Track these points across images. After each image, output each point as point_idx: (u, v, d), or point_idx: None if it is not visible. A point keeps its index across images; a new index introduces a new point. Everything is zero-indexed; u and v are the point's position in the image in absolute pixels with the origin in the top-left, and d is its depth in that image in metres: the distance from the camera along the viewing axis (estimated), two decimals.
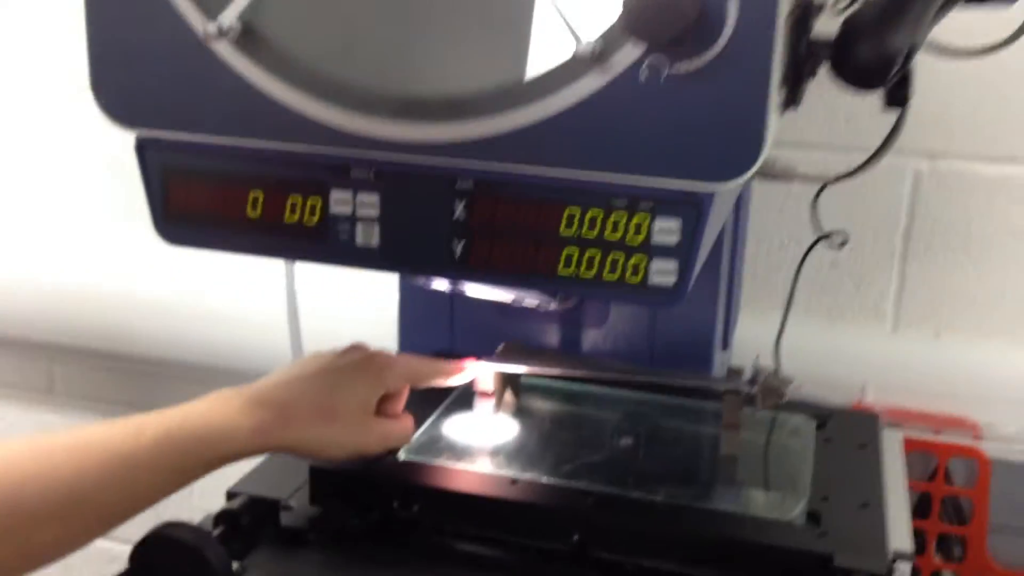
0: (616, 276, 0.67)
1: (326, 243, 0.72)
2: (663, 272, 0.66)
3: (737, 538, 0.76)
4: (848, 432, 0.94)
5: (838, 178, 0.87)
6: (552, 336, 1.08)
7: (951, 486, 1.22)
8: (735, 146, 0.61)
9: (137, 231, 1.54)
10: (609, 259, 0.67)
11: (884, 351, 1.29)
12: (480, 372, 0.91)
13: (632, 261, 0.67)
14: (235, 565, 0.77)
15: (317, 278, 1.44)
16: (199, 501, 0.86)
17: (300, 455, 0.79)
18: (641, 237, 0.66)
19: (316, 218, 0.72)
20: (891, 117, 0.78)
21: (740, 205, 1.10)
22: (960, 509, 1.24)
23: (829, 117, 1.24)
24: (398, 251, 0.71)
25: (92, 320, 1.57)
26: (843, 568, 0.73)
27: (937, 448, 1.20)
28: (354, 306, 1.44)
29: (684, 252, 0.66)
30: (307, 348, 1.36)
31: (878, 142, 0.86)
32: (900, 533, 0.79)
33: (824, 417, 0.97)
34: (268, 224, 0.73)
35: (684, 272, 0.66)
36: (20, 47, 1.52)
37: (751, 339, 1.22)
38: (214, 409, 0.75)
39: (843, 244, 0.93)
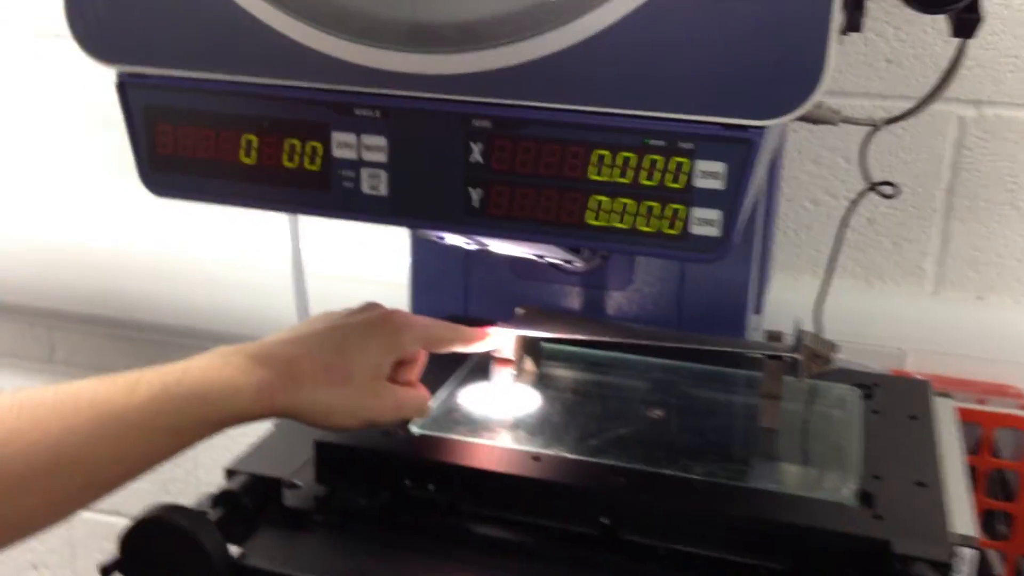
0: (652, 227, 0.60)
1: (328, 192, 0.65)
2: (706, 222, 0.59)
3: (783, 521, 0.69)
4: (897, 402, 0.87)
5: (889, 120, 0.79)
6: (573, 299, 1.01)
7: (997, 459, 1.15)
8: (792, 73, 0.53)
9: (138, 191, 1.49)
10: (644, 207, 0.60)
11: (925, 314, 1.21)
12: (502, 340, 0.84)
13: (670, 210, 0.59)
14: (234, 550, 0.70)
15: (323, 237, 1.37)
16: (206, 475, 0.80)
17: (306, 421, 0.71)
18: (681, 182, 0.58)
19: (317, 164, 0.65)
20: (935, 60, 0.70)
21: (776, 152, 1.02)
22: (1006, 483, 1.17)
23: (868, 61, 1.16)
24: (408, 200, 0.64)
25: (92, 285, 1.51)
26: (902, 555, 0.65)
27: (982, 418, 1.13)
28: (363, 268, 1.38)
29: (730, 199, 0.58)
30: (313, 312, 1.30)
31: (922, 88, 0.78)
32: (962, 515, 0.72)
33: (870, 386, 0.89)
34: (264, 172, 0.65)
35: (729, 222, 0.58)
36: None
37: (783, 303, 1.14)
38: (215, 366, 0.68)
39: (893, 196, 0.85)
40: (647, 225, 0.60)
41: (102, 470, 0.64)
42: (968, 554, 0.67)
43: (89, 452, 0.62)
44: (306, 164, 0.65)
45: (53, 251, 1.52)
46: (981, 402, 1.16)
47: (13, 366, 1.65)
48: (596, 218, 0.61)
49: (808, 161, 1.22)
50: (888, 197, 0.85)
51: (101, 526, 1.60)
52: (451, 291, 1.04)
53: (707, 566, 0.70)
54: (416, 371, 0.78)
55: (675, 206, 0.59)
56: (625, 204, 0.60)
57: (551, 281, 1.01)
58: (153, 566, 0.67)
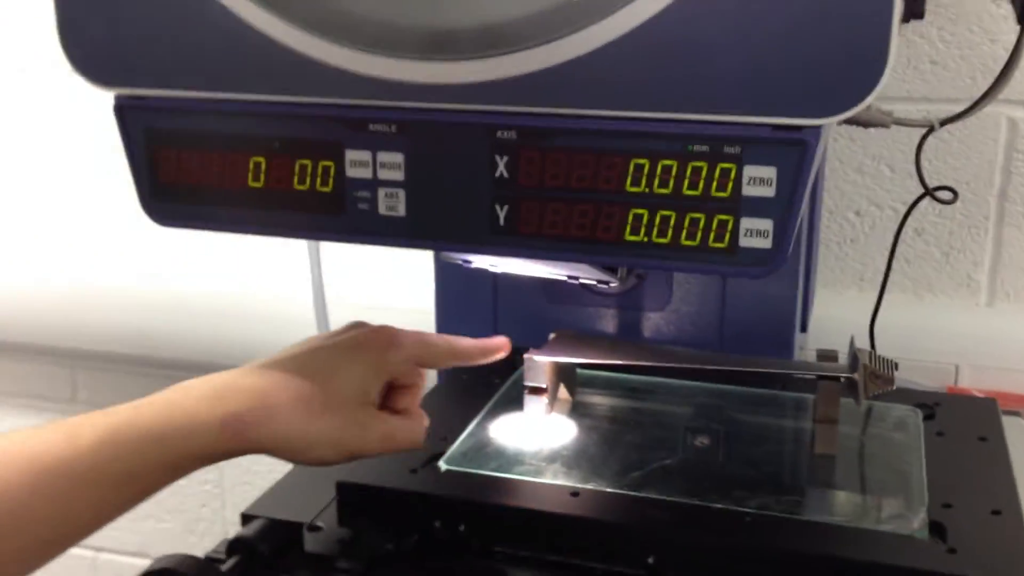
0: (697, 241, 0.54)
1: (343, 215, 0.60)
2: (756, 233, 0.53)
3: (846, 557, 0.63)
4: (962, 422, 0.80)
5: (945, 121, 0.74)
6: (608, 322, 0.96)
7: None
8: (851, 65, 0.48)
9: (156, 228, 1.46)
10: (688, 220, 0.54)
11: (979, 327, 1.15)
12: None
13: (717, 221, 0.54)
14: None
15: (345, 265, 1.34)
16: (232, 515, 0.75)
17: (282, 456, 0.64)
18: (728, 191, 0.53)
19: (330, 186, 0.60)
20: (982, 60, 0.65)
21: (823, 158, 0.96)
22: None
23: (912, 64, 1.10)
24: (429, 221, 0.59)
25: (114, 323, 1.48)
26: None
27: None
28: (387, 295, 1.33)
29: (782, 208, 0.53)
30: None
31: (969, 90, 0.73)
32: None
33: (931, 405, 0.83)
34: (274, 195, 0.61)
35: (782, 233, 0.53)
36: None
37: (828, 320, 1.09)
38: (172, 401, 0.61)
39: (952, 202, 0.79)
40: (692, 239, 0.54)
41: (45, 531, 0.56)
42: None
43: (27, 512, 0.55)
44: (318, 186, 0.60)
45: (73, 290, 1.50)
46: None
47: (35, 407, 1.62)
48: (636, 234, 0.55)
49: (851, 170, 1.16)
50: (946, 203, 0.79)
51: (124, 567, 1.56)
52: (479, 317, 0.99)
53: None
54: (413, 396, 0.71)
55: (722, 217, 0.54)
56: (667, 217, 0.55)
57: (584, 304, 0.96)
58: None
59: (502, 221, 0.57)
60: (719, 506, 0.69)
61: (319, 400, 0.63)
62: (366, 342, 0.68)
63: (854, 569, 0.63)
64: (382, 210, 0.59)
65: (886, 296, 1.14)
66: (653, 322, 0.95)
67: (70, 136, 1.45)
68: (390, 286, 1.34)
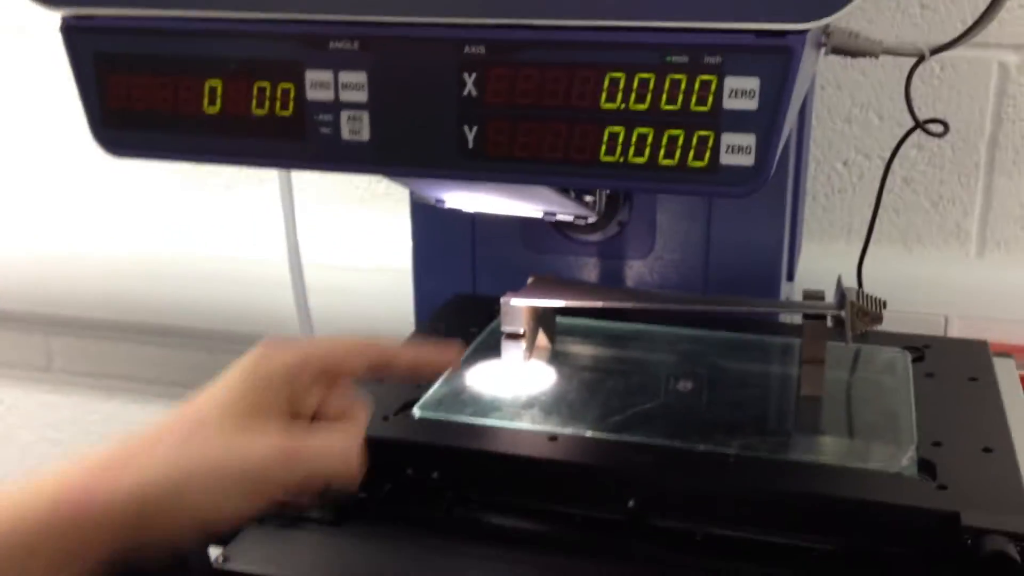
0: (675, 160, 0.52)
1: (304, 141, 0.57)
2: (738, 150, 0.51)
3: (835, 496, 0.61)
4: (953, 364, 0.78)
5: (936, 50, 0.71)
6: (590, 271, 0.94)
7: None
8: None
9: (129, 189, 1.43)
10: (666, 137, 0.51)
11: (969, 278, 1.13)
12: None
13: (696, 138, 0.51)
14: (216, 552, 0.62)
15: (320, 225, 1.31)
16: None
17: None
18: (708, 104, 0.50)
19: (290, 109, 0.57)
20: (972, 2, 0.62)
21: (806, 102, 0.94)
22: None
23: (902, 7, 1.07)
24: (394, 145, 0.56)
25: (89, 289, 1.45)
26: (974, 528, 0.57)
27: None
28: (362, 253, 1.30)
29: (765, 122, 0.50)
30: (313, 305, 1.23)
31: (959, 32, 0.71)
32: None
33: (921, 348, 0.81)
34: (230, 121, 0.58)
35: (766, 149, 0.50)
36: None
37: (815, 272, 1.06)
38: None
39: (943, 135, 0.77)
40: (670, 158, 0.52)
41: None
42: None
43: None
44: (278, 110, 0.57)
45: (47, 255, 1.47)
46: None
47: (10, 377, 1.59)
48: (611, 154, 0.53)
49: (838, 119, 1.14)
50: (937, 135, 0.77)
51: None
52: (457, 269, 0.96)
53: (750, 550, 0.61)
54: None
55: (702, 133, 0.51)
56: (644, 135, 0.52)
57: (566, 253, 0.94)
58: (123, 569, 0.60)
59: (471, 143, 0.54)
60: (702, 448, 0.66)
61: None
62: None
63: (841, 508, 0.60)
64: (345, 135, 0.56)
65: (875, 248, 1.12)
66: (636, 270, 0.93)
67: (44, 100, 1.41)
68: (366, 246, 1.31)
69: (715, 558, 0.61)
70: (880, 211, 1.13)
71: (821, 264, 1.11)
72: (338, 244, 1.32)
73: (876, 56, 0.70)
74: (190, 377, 1.49)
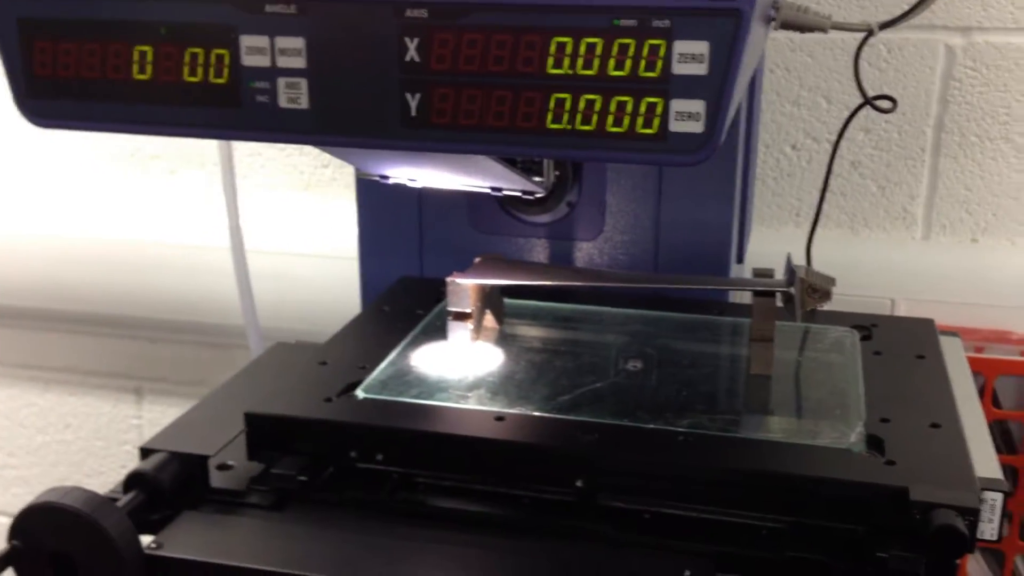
0: (624, 127, 0.50)
1: (240, 109, 0.55)
2: (687, 117, 0.49)
3: (784, 473, 0.60)
4: (900, 342, 0.78)
5: (884, 25, 0.71)
6: (539, 253, 0.92)
7: (1000, 409, 1.07)
8: None
9: (66, 170, 1.38)
10: (614, 104, 0.50)
11: (915, 261, 1.13)
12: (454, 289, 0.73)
13: (645, 104, 0.50)
14: (149, 540, 0.60)
15: (264, 211, 1.28)
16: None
17: None
18: (657, 69, 0.49)
19: (224, 76, 0.55)
20: None
21: (755, 83, 0.93)
22: (1009, 435, 1.09)
23: None
24: (334, 113, 0.54)
25: (22, 276, 1.40)
26: (922, 502, 0.57)
27: (983, 366, 1.05)
28: (307, 238, 1.28)
29: (715, 87, 0.49)
30: (257, 291, 1.20)
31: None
32: (983, 457, 0.63)
33: (868, 327, 0.81)
34: (162, 89, 0.55)
35: (715, 116, 0.49)
36: None
37: (765, 256, 1.06)
38: None
39: (891, 110, 0.77)
40: (619, 125, 0.50)
41: None
42: (996, 499, 0.59)
43: None
44: (212, 77, 0.55)
45: None
46: (979, 350, 1.08)
47: None
48: (558, 121, 0.51)
49: (787, 103, 1.14)
50: (886, 111, 0.76)
51: None
52: (404, 251, 0.95)
53: (699, 528, 0.61)
54: None
55: (651, 100, 0.50)
56: (592, 101, 0.50)
57: (514, 234, 0.92)
58: (51, 560, 0.57)
59: (414, 111, 0.53)
60: (651, 427, 0.65)
61: None
62: None
63: (791, 484, 0.60)
64: (283, 102, 0.54)
65: (823, 231, 1.12)
66: (586, 252, 0.91)
67: None
68: (311, 232, 1.28)
69: (664, 536, 0.61)
70: (828, 194, 1.14)
71: (770, 247, 1.10)
72: (283, 230, 1.29)
73: (825, 31, 0.69)
74: (132, 368, 1.46)
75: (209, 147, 1.23)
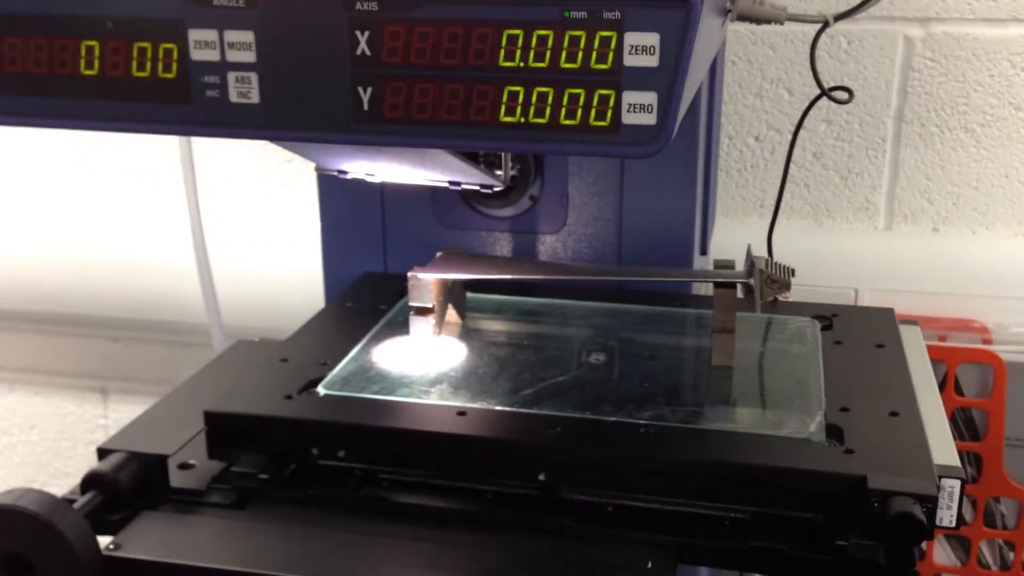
0: (577, 120, 0.50)
1: (191, 105, 0.54)
2: (639, 108, 0.49)
3: (745, 463, 0.61)
4: (860, 332, 0.79)
5: (840, 16, 0.71)
6: (502, 247, 0.92)
7: (963, 397, 1.08)
8: None
9: (23, 168, 1.36)
10: (566, 97, 0.50)
11: (877, 250, 1.14)
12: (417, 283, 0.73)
13: (597, 97, 0.50)
14: (107, 541, 0.59)
15: (226, 208, 1.27)
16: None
17: None
18: (608, 62, 0.49)
19: (173, 71, 0.54)
20: None
21: (716, 76, 0.93)
22: (972, 423, 1.10)
23: None
24: (286, 108, 0.53)
25: None
26: (880, 491, 0.57)
27: (946, 354, 1.06)
28: (270, 235, 1.27)
29: (667, 79, 0.49)
30: (219, 287, 1.20)
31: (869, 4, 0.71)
32: (942, 445, 0.64)
33: (829, 317, 0.81)
34: (110, 85, 0.55)
35: (667, 107, 0.49)
36: None
37: (729, 247, 1.06)
38: None
39: (848, 101, 0.77)
40: (572, 118, 0.50)
41: None
42: (953, 486, 0.59)
43: None
44: (160, 72, 0.54)
45: None
46: (942, 339, 1.09)
47: None
48: (511, 114, 0.51)
49: (750, 95, 1.14)
50: (843, 103, 0.77)
51: None
52: (367, 246, 0.94)
53: (662, 520, 0.61)
54: None
55: (603, 92, 0.49)
56: (545, 94, 0.50)
57: (477, 228, 0.92)
58: (8, 562, 0.56)
59: (366, 105, 0.52)
60: (613, 419, 0.65)
61: None
62: None
63: (751, 474, 0.60)
64: (233, 97, 0.54)
65: (786, 222, 1.13)
66: (549, 245, 0.91)
67: None
68: (273, 228, 1.27)
69: (627, 529, 0.61)
70: (791, 185, 1.15)
71: (735, 239, 1.11)
72: (245, 227, 1.28)
73: (781, 23, 0.70)
74: (97, 367, 1.44)
75: (170, 144, 1.22)
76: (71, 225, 1.35)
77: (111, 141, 1.30)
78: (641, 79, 0.49)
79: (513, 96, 0.50)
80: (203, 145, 1.22)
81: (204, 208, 1.16)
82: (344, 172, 0.70)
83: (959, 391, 1.08)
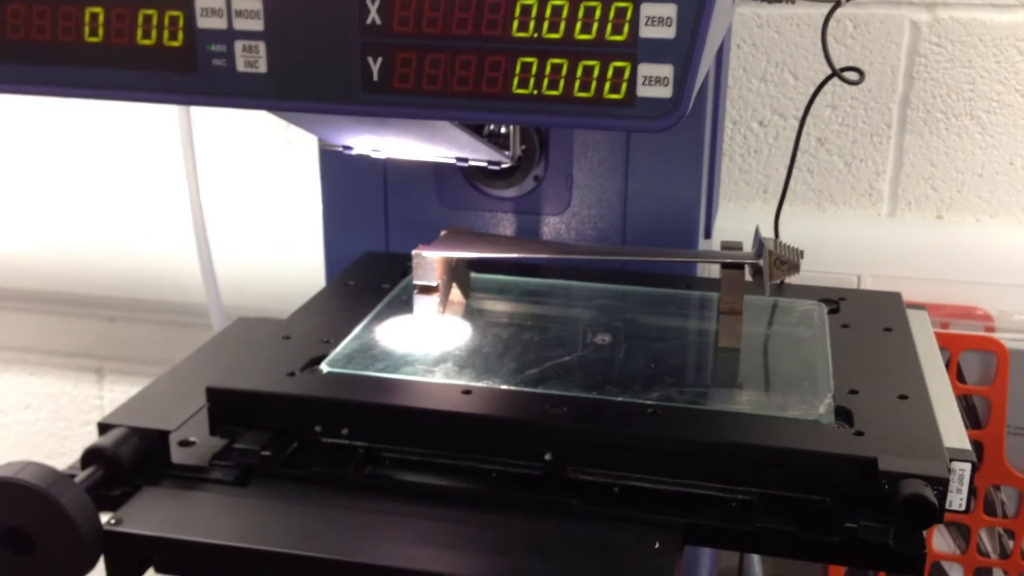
0: (591, 93, 0.49)
1: (197, 74, 0.53)
2: (655, 81, 0.48)
3: (753, 444, 0.60)
4: (868, 315, 0.78)
5: None
6: (505, 228, 0.91)
7: (965, 384, 1.08)
8: None
9: (19, 144, 1.35)
10: (580, 69, 0.49)
11: (881, 237, 1.14)
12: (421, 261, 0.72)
13: (612, 69, 0.49)
14: (107, 517, 0.59)
15: (223, 184, 1.25)
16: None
17: None
18: (624, 33, 0.48)
19: (179, 39, 0.53)
20: None
21: (722, 58, 0.92)
22: (974, 411, 1.10)
23: None
24: (294, 77, 0.52)
25: None
26: (890, 473, 0.56)
27: (948, 341, 1.05)
28: (270, 212, 1.26)
29: (683, 51, 0.48)
30: (219, 265, 1.18)
31: None
32: (952, 428, 0.63)
33: (836, 300, 0.81)
34: (115, 53, 0.54)
35: (683, 80, 0.48)
36: None
37: (732, 233, 1.06)
38: None
39: (859, 81, 0.76)
40: (586, 91, 0.49)
41: None
42: (964, 469, 0.59)
43: None
44: (166, 40, 0.53)
45: None
46: (945, 326, 1.09)
47: None
48: (524, 86, 0.50)
49: (755, 79, 1.13)
50: (854, 83, 0.76)
51: None
52: (369, 225, 0.93)
53: (668, 501, 0.60)
54: None
55: (618, 64, 0.49)
56: (559, 66, 0.49)
57: (481, 209, 0.91)
58: (7, 536, 0.56)
59: (376, 76, 0.51)
60: (619, 399, 0.65)
61: None
62: None
63: (760, 456, 0.59)
64: (240, 66, 0.53)
65: (790, 208, 1.12)
66: (553, 226, 0.91)
67: None
68: (274, 205, 1.26)
69: (633, 510, 0.60)
70: (795, 171, 1.14)
71: (738, 224, 1.10)
72: (245, 206, 1.27)
73: (792, 1, 0.69)
74: (93, 347, 1.43)
75: (169, 121, 1.21)
76: (67, 203, 1.34)
77: (109, 118, 1.29)
78: (657, 51, 0.48)
79: (526, 68, 0.50)
80: (203, 123, 1.21)
81: (203, 187, 1.14)
82: (349, 148, 0.69)
83: (961, 378, 1.08)
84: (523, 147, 0.87)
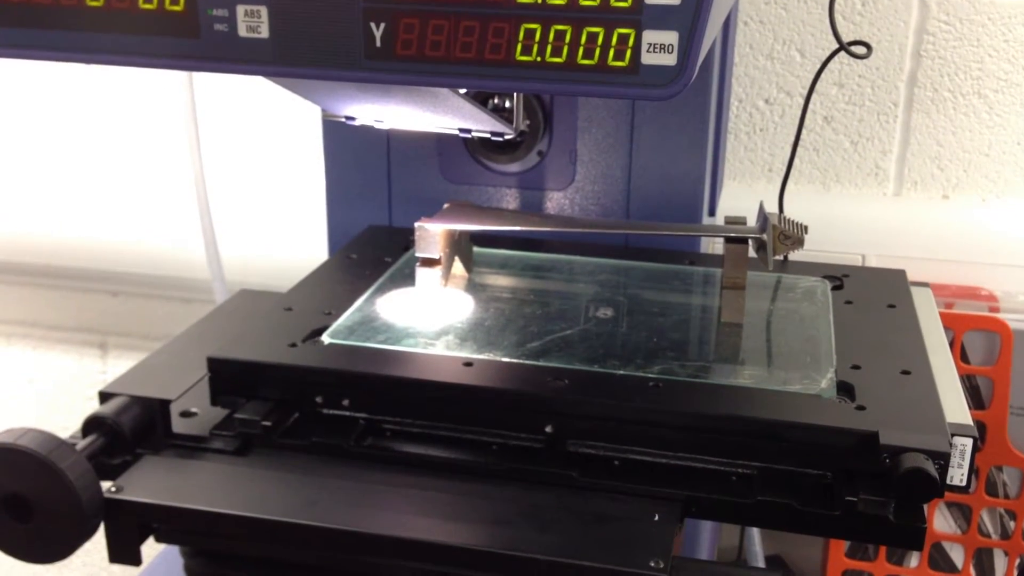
0: (595, 60, 0.49)
1: (199, 39, 0.53)
2: (660, 48, 0.48)
3: (755, 417, 0.60)
4: (872, 292, 0.78)
5: None
6: (509, 203, 0.91)
7: (968, 364, 1.08)
8: None
9: (24, 118, 1.34)
10: (584, 35, 0.49)
11: (886, 216, 1.13)
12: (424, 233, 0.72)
13: (616, 36, 0.48)
14: (107, 485, 0.59)
15: (226, 158, 1.25)
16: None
17: None
18: (628, 0, 0.48)
19: (180, 4, 0.52)
20: None
21: (727, 34, 0.92)
22: (977, 391, 1.10)
23: None
24: (296, 43, 0.52)
25: None
26: (892, 446, 0.56)
27: (953, 321, 1.05)
28: (271, 186, 1.25)
29: (688, 17, 0.47)
30: (221, 239, 1.18)
31: None
32: (953, 403, 0.63)
33: (840, 277, 0.80)
34: (116, 16, 0.53)
35: (688, 48, 0.48)
36: None
37: (737, 211, 1.06)
38: None
39: (866, 56, 0.76)
40: (590, 58, 0.49)
41: None
42: (966, 444, 0.59)
43: None
44: (168, 4, 0.52)
45: None
46: (949, 306, 1.08)
47: None
48: (528, 53, 0.50)
49: (761, 56, 1.12)
50: (861, 57, 0.75)
51: None
52: (372, 200, 0.93)
53: (669, 475, 0.60)
54: None
55: (623, 31, 0.48)
56: (562, 32, 0.49)
57: (484, 183, 0.91)
58: (7, 502, 0.56)
59: (378, 42, 0.51)
60: (621, 373, 0.65)
61: None
62: None
63: (761, 429, 0.59)
64: (242, 32, 0.52)
65: (795, 187, 1.12)
66: (556, 202, 0.90)
67: None
68: (276, 178, 1.26)
69: (634, 483, 0.60)
70: (801, 150, 1.14)
71: (743, 202, 1.10)
72: (248, 181, 1.26)
73: None
74: (96, 322, 1.43)
75: (173, 93, 1.20)
76: (70, 177, 1.34)
77: (112, 92, 1.29)
78: (662, 17, 0.47)
79: (530, 34, 0.49)
80: (206, 95, 1.20)
81: (207, 161, 1.14)
82: (352, 118, 0.68)
83: (965, 359, 1.08)
84: (527, 122, 0.86)
